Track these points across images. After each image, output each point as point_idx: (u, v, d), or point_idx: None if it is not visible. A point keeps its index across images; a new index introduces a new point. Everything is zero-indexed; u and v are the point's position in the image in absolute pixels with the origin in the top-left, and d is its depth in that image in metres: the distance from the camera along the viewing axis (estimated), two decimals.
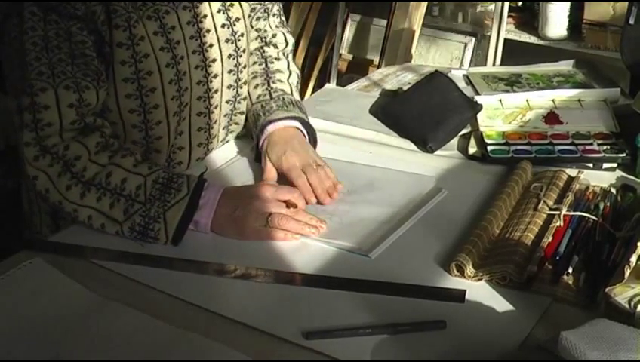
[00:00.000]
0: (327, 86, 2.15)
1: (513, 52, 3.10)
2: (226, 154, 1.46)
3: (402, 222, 1.22)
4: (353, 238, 1.18)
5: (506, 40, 3.13)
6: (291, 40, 1.57)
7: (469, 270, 1.07)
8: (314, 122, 1.46)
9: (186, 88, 1.33)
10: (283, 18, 1.56)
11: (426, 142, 1.47)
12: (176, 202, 1.16)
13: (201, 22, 1.33)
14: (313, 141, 1.42)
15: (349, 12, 3.51)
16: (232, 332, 0.98)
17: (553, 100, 1.56)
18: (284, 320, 1.00)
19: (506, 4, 3.11)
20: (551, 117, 1.52)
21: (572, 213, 1.19)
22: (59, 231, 1.25)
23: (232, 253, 1.15)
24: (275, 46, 1.54)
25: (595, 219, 1.18)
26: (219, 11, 1.37)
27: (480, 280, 1.07)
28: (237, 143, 1.50)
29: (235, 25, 1.39)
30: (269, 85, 1.47)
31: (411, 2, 3.18)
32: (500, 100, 1.56)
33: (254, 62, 1.52)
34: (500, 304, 1.03)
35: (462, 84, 1.66)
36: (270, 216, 1.18)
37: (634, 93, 1.58)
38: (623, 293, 0.96)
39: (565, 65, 1.81)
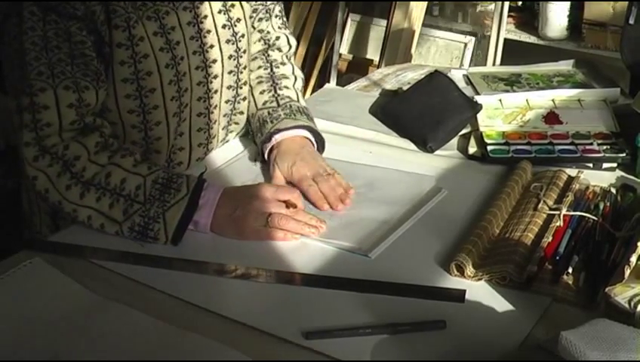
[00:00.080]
0: (327, 86, 2.15)
1: (513, 52, 3.10)
2: (225, 155, 1.46)
3: (402, 222, 1.22)
4: (353, 238, 1.18)
5: (505, 40, 3.13)
6: (294, 42, 1.57)
7: (469, 270, 1.07)
8: None
9: (186, 89, 1.33)
10: (285, 19, 1.56)
11: (425, 142, 1.47)
12: (176, 202, 1.16)
13: (202, 22, 1.33)
14: (321, 147, 1.41)
15: (349, 12, 3.50)
16: (232, 332, 0.98)
17: (553, 100, 1.56)
18: (284, 320, 1.00)
19: (506, 3, 3.10)
20: (551, 117, 1.52)
21: (572, 213, 1.19)
22: (59, 231, 1.25)
23: (231, 253, 1.15)
24: (279, 49, 1.54)
25: (595, 218, 1.18)
26: (220, 12, 1.37)
27: (480, 280, 1.07)
28: (237, 143, 1.50)
29: (235, 26, 1.39)
30: (275, 91, 1.47)
31: (411, 2, 3.18)
32: (500, 100, 1.56)
33: (259, 67, 1.52)
34: (500, 304, 1.03)
35: (462, 84, 1.66)
36: (270, 216, 1.18)
37: (634, 92, 1.58)
38: (622, 293, 0.96)
39: (565, 65, 1.81)
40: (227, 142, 1.50)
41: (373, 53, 3.46)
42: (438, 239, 1.17)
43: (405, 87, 1.70)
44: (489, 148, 1.44)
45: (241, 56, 1.41)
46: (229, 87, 1.42)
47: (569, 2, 3.03)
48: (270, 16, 1.51)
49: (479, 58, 3.25)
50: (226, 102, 1.43)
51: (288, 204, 1.22)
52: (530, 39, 3.16)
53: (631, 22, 1.75)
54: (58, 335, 0.97)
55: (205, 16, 1.34)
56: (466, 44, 3.29)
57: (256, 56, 1.52)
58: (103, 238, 1.17)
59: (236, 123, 1.49)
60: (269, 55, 1.53)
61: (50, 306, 1.03)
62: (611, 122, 1.49)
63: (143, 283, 1.08)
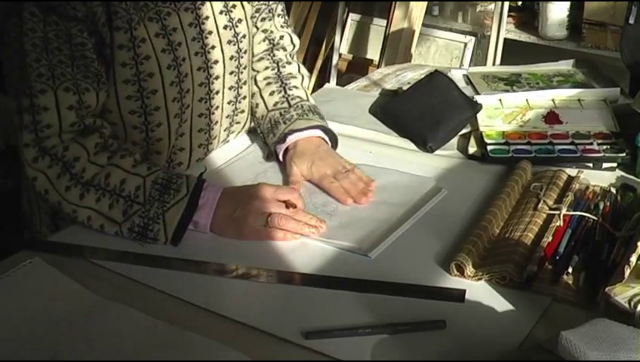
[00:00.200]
0: (326, 86, 2.15)
1: (513, 52, 3.10)
2: (225, 155, 1.46)
3: (402, 222, 1.22)
4: (353, 238, 1.18)
5: (505, 40, 3.13)
6: (297, 41, 1.57)
7: (469, 270, 1.07)
8: None
9: (188, 90, 1.33)
10: (287, 18, 1.56)
11: (425, 142, 1.47)
12: (176, 203, 1.16)
13: (203, 23, 1.33)
14: (335, 144, 1.42)
15: (349, 12, 3.51)
16: (232, 332, 0.98)
17: (553, 100, 1.56)
18: (284, 320, 1.00)
19: (506, 3, 3.10)
20: (551, 116, 1.52)
21: (572, 213, 1.19)
22: (58, 231, 1.25)
23: (231, 253, 1.15)
24: (284, 48, 1.54)
25: (595, 218, 1.18)
26: (221, 13, 1.37)
27: (480, 279, 1.07)
28: (237, 143, 1.50)
29: (237, 26, 1.39)
30: (285, 92, 1.47)
31: (411, 2, 3.18)
32: (500, 100, 1.56)
33: (266, 67, 1.52)
34: (500, 304, 1.03)
35: (462, 84, 1.66)
36: (270, 216, 1.18)
37: (634, 92, 1.58)
38: (622, 293, 0.95)
39: (565, 65, 1.81)
40: (227, 142, 1.50)
41: (373, 53, 3.46)
42: (438, 239, 1.17)
43: (405, 87, 1.70)
44: (489, 148, 1.44)
45: (242, 57, 1.41)
46: (230, 88, 1.42)
47: (569, 2, 3.03)
48: (273, 15, 1.51)
49: (479, 58, 3.26)
50: (229, 102, 1.43)
51: (288, 204, 1.22)
52: (530, 39, 3.16)
53: (631, 21, 1.75)
54: (58, 335, 0.97)
55: (207, 17, 1.34)
56: (465, 44, 3.29)
57: (262, 56, 1.52)
58: (103, 238, 1.17)
59: (238, 122, 1.49)
60: (274, 55, 1.53)
61: (49, 306, 1.03)
62: (611, 122, 1.49)
63: (143, 283, 1.08)
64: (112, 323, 0.99)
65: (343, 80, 3.24)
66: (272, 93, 1.47)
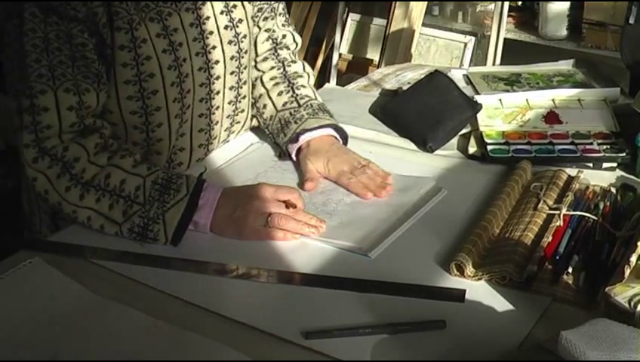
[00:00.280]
0: (326, 85, 2.15)
1: (513, 51, 3.10)
2: (225, 155, 1.46)
3: (402, 222, 1.22)
4: (353, 238, 1.18)
5: (505, 39, 3.13)
6: (299, 39, 1.57)
7: (469, 269, 1.07)
8: None
9: (189, 90, 1.33)
10: (288, 16, 1.56)
11: (425, 142, 1.47)
12: (176, 203, 1.16)
13: (204, 23, 1.33)
14: (345, 141, 1.43)
15: (349, 12, 3.51)
16: (232, 331, 0.98)
17: (553, 100, 1.56)
18: (284, 320, 1.00)
19: (506, 3, 3.11)
20: (551, 116, 1.52)
21: (572, 213, 1.19)
22: (58, 231, 1.25)
23: (231, 253, 1.15)
24: (287, 47, 1.55)
25: (595, 218, 1.18)
26: (222, 13, 1.37)
27: (480, 279, 1.07)
28: (237, 143, 1.50)
29: (237, 26, 1.39)
30: (293, 92, 1.47)
31: (411, 2, 3.18)
32: (500, 100, 1.56)
33: (272, 67, 1.52)
34: (500, 303, 1.03)
35: (462, 84, 1.66)
36: (270, 216, 1.18)
37: (634, 92, 1.58)
38: (622, 293, 0.95)
39: (565, 65, 1.81)
40: (228, 142, 1.50)
41: (373, 52, 3.46)
42: (438, 239, 1.17)
43: (405, 87, 1.70)
44: (489, 147, 1.44)
45: (242, 57, 1.42)
46: (230, 88, 1.42)
47: (569, 2, 3.03)
48: (275, 14, 1.51)
49: (479, 58, 3.26)
50: (229, 102, 1.43)
51: (288, 204, 1.22)
52: (530, 39, 3.16)
53: (631, 21, 1.75)
54: (58, 335, 0.97)
55: (208, 18, 1.34)
56: (465, 44, 3.29)
57: (266, 56, 1.53)
58: (103, 238, 1.17)
59: (238, 122, 1.49)
60: (278, 54, 1.53)
61: (49, 306, 1.03)
62: (611, 122, 1.49)
63: (143, 283, 1.08)
64: (112, 323, 0.99)
65: (343, 80, 3.24)
66: (280, 94, 1.47)
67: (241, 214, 1.18)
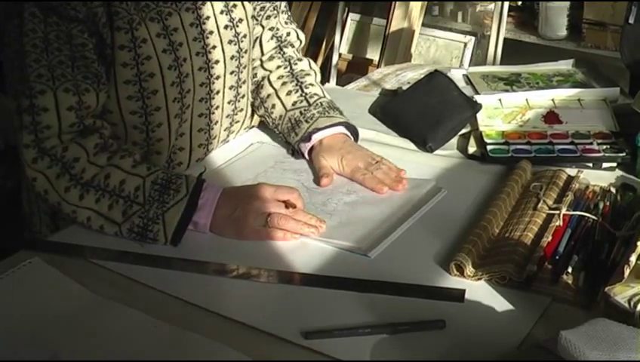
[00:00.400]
0: (326, 85, 2.15)
1: (513, 51, 3.10)
2: (225, 155, 1.46)
3: (402, 222, 1.22)
4: (352, 238, 1.18)
5: (505, 39, 3.13)
6: (302, 36, 1.58)
7: (469, 269, 1.07)
8: None
9: (188, 90, 1.33)
10: (290, 14, 1.57)
11: (425, 142, 1.47)
12: (175, 203, 1.16)
13: (204, 23, 1.33)
14: (356, 138, 1.44)
15: (349, 11, 3.51)
16: (232, 331, 0.98)
17: (553, 100, 1.56)
18: (284, 320, 1.00)
19: (506, 3, 3.10)
20: (550, 116, 1.52)
21: (572, 213, 1.19)
22: (58, 231, 1.25)
23: (231, 253, 1.15)
24: (292, 45, 1.55)
25: (595, 218, 1.18)
26: (222, 12, 1.37)
27: (479, 279, 1.07)
28: (237, 143, 1.50)
29: (238, 26, 1.39)
30: (302, 91, 1.47)
31: (411, 2, 3.18)
32: (500, 100, 1.56)
33: (278, 66, 1.52)
34: (500, 303, 1.03)
35: (461, 84, 1.66)
36: (269, 216, 1.18)
37: (633, 92, 1.58)
38: (622, 293, 0.95)
39: (565, 65, 1.81)
40: (227, 142, 1.50)
41: (372, 52, 3.46)
42: (437, 239, 1.17)
43: (405, 87, 1.70)
44: (489, 147, 1.44)
45: (242, 57, 1.42)
46: (230, 88, 1.42)
47: (569, 2, 3.03)
48: (278, 12, 1.51)
49: (479, 58, 3.26)
50: (229, 102, 1.43)
51: (288, 204, 1.22)
52: (530, 39, 3.16)
53: (630, 21, 1.75)
54: (57, 334, 0.97)
55: (208, 17, 1.34)
56: (465, 44, 3.29)
57: (272, 55, 1.53)
58: (103, 238, 1.17)
59: (237, 121, 1.49)
60: (284, 52, 1.54)
61: (49, 306, 1.03)
62: (611, 122, 1.49)
63: (143, 283, 1.08)
64: (112, 323, 0.99)
65: (343, 80, 3.24)
66: (289, 93, 1.48)
67: (240, 214, 1.18)
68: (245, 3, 1.41)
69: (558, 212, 1.18)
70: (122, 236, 1.17)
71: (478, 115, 1.52)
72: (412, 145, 1.49)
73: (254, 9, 1.45)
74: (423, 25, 3.27)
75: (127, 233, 1.16)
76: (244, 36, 1.41)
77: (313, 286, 1.07)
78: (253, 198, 1.20)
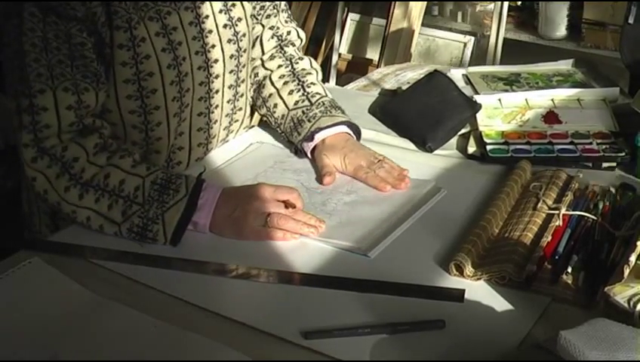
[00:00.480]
0: (326, 85, 2.15)
1: (512, 51, 3.10)
2: (225, 155, 1.46)
3: (401, 222, 1.22)
4: (352, 238, 1.18)
5: (505, 39, 3.13)
6: (303, 35, 1.58)
7: (468, 269, 1.07)
8: None
9: (188, 89, 1.33)
10: (290, 12, 1.57)
11: (425, 142, 1.47)
12: (175, 203, 1.16)
13: (203, 22, 1.33)
14: (359, 137, 1.45)
15: (349, 11, 3.51)
16: (231, 331, 0.98)
17: (552, 100, 1.56)
18: (283, 320, 1.00)
19: (506, 3, 3.11)
20: (550, 116, 1.52)
21: (571, 213, 1.19)
22: (58, 231, 1.25)
23: (231, 253, 1.15)
24: (293, 44, 1.56)
25: (595, 218, 1.18)
26: (220, 12, 1.37)
27: (479, 279, 1.07)
28: (236, 143, 1.50)
29: (237, 25, 1.39)
30: (304, 90, 1.48)
31: (411, 2, 3.18)
32: (499, 100, 1.56)
33: (279, 65, 1.52)
34: (499, 303, 1.03)
35: (461, 84, 1.66)
36: (269, 216, 1.18)
37: (633, 92, 1.58)
38: (622, 293, 0.95)
39: (564, 65, 1.81)
40: (227, 141, 1.50)
41: (372, 52, 3.46)
42: (437, 239, 1.17)
43: (405, 87, 1.70)
44: (488, 147, 1.44)
45: (241, 56, 1.42)
46: (229, 87, 1.42)
47: (568, 2, 3.03)
48: (278, 11, 1.51)
49: (479, 58, 3.26)
50: (228, 101, 1.43)
51: (287, 204, 1.22)
52: (530, 39, 3.16)
53: (630, 21, 1.75)
54: (57, 335, 0.97)
55: (207, 16, 1.34)
56: (465, 44, 3.29)
57: (273, 54, 1.53)
58: (103, 238, 1.17)
59: (236, 120, 1.49)
60: (284, 52, 1.54)
61: (49, 306, 1.03)
62: (611, 122, 1.49)
63: (143, 283, 1.08)
64: (111, 323, 0.99)
65: (343, 80, 3.24)
66: (291, 92, 1.48)
67: (240, 214, 1.18)
68: (244, 2, 1.41)
69: (557, 212, 1.18)
70: (122, 236, 1.17)
71: (478, 115, 1.52)
72: (412, 145, 1.50)
73: (254, 8, 1.45)
74: (423, 25, 3.27)
75: (127, 233, 1.16)
76: (244, 35, 1.41)
77: (313, 286, 1.07)
78: (253, 198, 1.20)
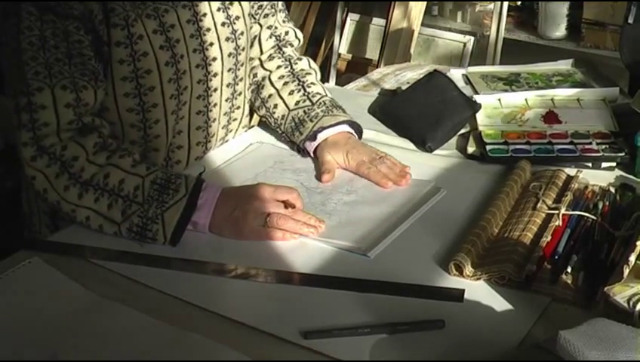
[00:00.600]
0: (326, 85, 2.15)
1: (512, 51, 3.10)
2: (224, 155, 1.46)
3: (401, 222, 1.22)
4: (352, 238, 1.18)
5: (505, 39, 3.13)
6: (300, 35, 1.58)
7: (468, 269, 1.07)
8: None
9: (186, 87, 1.34)
10: (287, 12, 1.57)
11: (424, 142, 1.47)
12: (175, 203, 1.16)
13: (201, 20, 1.33)
14: (360, 135, 1.46)
15: (348, 11, 3.50)
16: (231, 331, 0.98)
17: (552, 99, 1.56)
18: (283, 320, 1.00)
19: (505, 3, 3.10)
20: (550, 116, 1.52)
21: (571, 213, 1.19)
22: (58, 231, 1.25)
23: (230, 253, 1.15)
24: (291, 44, 1.56)
25: (594, 218, 1.18)
26: (218, 10, 1.37)
27: (479, 279, 1.07)
28: (236, 143, 1.50)
29: (235, 23, 1.40)
30: (304, 90, 1.48)
31: (410, 2, 3.18)
32: (499, 100, 1.56)
33: (278, 66, 1.53)
34: (499, 303, 1.03)
35: (461, 84, 1.66)
36: (269, 216, 1.18)
37: (633, 92, 1.58)
38: (621, 292, 0.95)
39: (564, 65, 1.81)
40: (226, 141, 1.50)
41: (372, 52, 3.46)
42: (437, 238, 1.17)
43: (404, 87, 1.70)
44: (488, 147, 1.44)
45: (239, 54, 1.42)
46: (228, 85, 1.42)
47: (568, 2, 3.03)
48: (276, 11, 1.52)
49: (478, 58, 3.25)
50: (226, 100, 1.43)
51: (287, 204, 1.22)
52: (530, 39, 3.16)
53: (630, 21, 1.75)
54: (57, 335, 0.97)
55: (204, 14, 1.34)
56: (465, 44, 3.29)
57: (272, 54, 1.53)
58: (103, 238, 1.17)
59: (235, 119, 1.49)
60: (283, 52, 1.54)
61: (49, 306, 1.03)
62: (610, 121, 1.49)
63: (143, 283, 1.08)
64: (111, 323, 0.99)
65: (342, 80, 3.23)
66: (291, 93, 1.48)
67: (240, 214, 1.18)
68: (242, 0, 1.41)
69: (557, 212, 1.18)
70: (121, 235, 1.17)
71: (478, 115, 1.52)
72: (411, 145, 1.50)
73: (252, 7, 1.46)
74: (423, 25, 3.26)
75: (127, 232, 1.16)
76: (242, 33, 1.41)
77: (312, 286, 1.07)
78: (253, 198, 1.20)
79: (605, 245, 1.11)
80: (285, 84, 1.50)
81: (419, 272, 1.09)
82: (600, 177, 1.34)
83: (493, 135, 1.48)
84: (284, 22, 1.54)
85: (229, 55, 1.40)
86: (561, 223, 1.16)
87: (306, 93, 1.47)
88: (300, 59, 1.55)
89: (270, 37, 1.53)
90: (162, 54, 1.29)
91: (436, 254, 1.14)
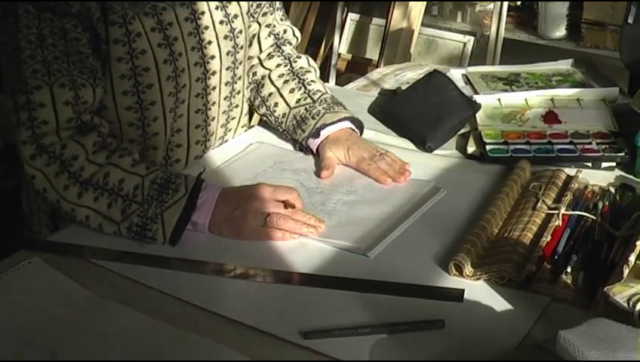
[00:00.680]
0: (325, 85, 2.15)
1: (512, 51, 3.10)
2: (224, 154, 1.46)
3: (401, 222, 1.22)
4: (352, 238, 1.18)
5: (505, 39, 3.13)
6: (298, 34, 1.59)
7: (468, 269, 1.07)
8: None
9: (184, 85, 1.34)
10: (284, 11, 1.58)
11: (424, 142, 1.47)
12: (174, 202, 1.16)
13: (199, 18, 1.34)
14: (361, 131, 1.47)
15: (348, 11, 3.51)
16: (231, 331, 0.98)
17: (552, 99, 1.56)
18: (283, 320, 1.00)
19: (505, 3, 3.11)
20: (550, 116, 1.52)
21: (571, 213, 1.19)
22: (58, 231, 1.25)
23: (230, 253, 1.15)
24: (289, 42, 1.57)
25: (594, 218, 1.18)
26: (217, 8, 1.37)
27: (479, 279, 1.07)
28: (236, 143, 1.50)
29: (233, 21, 1.40)
30: (305, 88, 1.49)
31: (410, 2, 3.18)
32: (499, 100, 1.56)
33: (278, 65, 1.53)
34: (499, 303, 1.03)
35: (461, 84, 1.66)
36: (268, 216, 1.18)
37: (633, 92, 1.58)
38: (621, 292, 0.96)
39: (564, 65, 1.81)
40: (226, 141, 1.50)
41: (372, 52, 3.46)
42: (436, 238, 1.17)
43: (404, 87, 1.70)
44: (488, 147, 1.44)
45: (238, 52, 1.42)
46: (226, 84, 1.42)
47: (568, 2, 3.03)
48: (274, 9, 1.52)
49: (478, 58, 3.25)
50: (225, 98, 1.43)
51: (287, 204, 1.22)
52: (530, 39, 3.16)
53: (630, 21, 1.75)
54: (57, 335, 0.97)
55: (203, 13, 1.34)
56: (465, 44, 3.29)
57: (271, 52, 1.54)
58: (102, 238, 1.17)
59: (233, 118, 1.49)
60: (282, 50, 1.55)
61: (48, 306, 1.02)
62: (610, 121, 1.49)
63: (142, 283, 1.08)
64: (111, 323, 0.99)
65: (342, 80, 3.24)
66: (292, 91, 1.48)
67: (239, 214, 1.18)
68: None
69: (557, 212, 1.18)
70: (121, 235, 1.16)
71: (478, 115, 1.52)
72: (411, 145, 1.50)
73: (250, 5, 1.46)
74: (423, 25, 3.27)
75: (126, 232, 1.16)
76: (240, 32, 1.41)
77: (312, 286, 1.07)
78: (252, 198, 1.20)
79: (605, 245, 1.11)
80: (285, 82, 1.50)
81: (419, 272, 1.09)
82: (600, 177, 1.34)
83: (493, 135, 1.48)
84: (281, 20, 1.55)
85: (228, 53, 1.40)
86: (560, 223, 1.16)
87: (307, 91, 1.47)
88: (299, 57, 1.55)
89: (269, 35, 1.53)
90: (160, 52, 1.29)
91: (436, 254, 1.14)
